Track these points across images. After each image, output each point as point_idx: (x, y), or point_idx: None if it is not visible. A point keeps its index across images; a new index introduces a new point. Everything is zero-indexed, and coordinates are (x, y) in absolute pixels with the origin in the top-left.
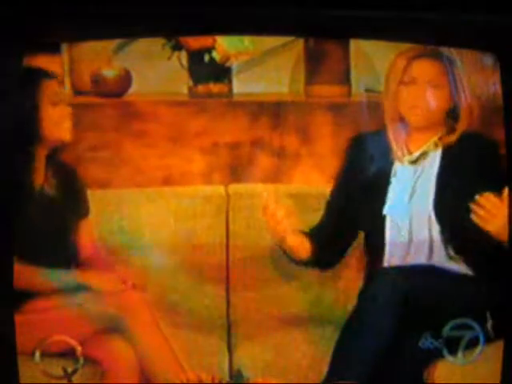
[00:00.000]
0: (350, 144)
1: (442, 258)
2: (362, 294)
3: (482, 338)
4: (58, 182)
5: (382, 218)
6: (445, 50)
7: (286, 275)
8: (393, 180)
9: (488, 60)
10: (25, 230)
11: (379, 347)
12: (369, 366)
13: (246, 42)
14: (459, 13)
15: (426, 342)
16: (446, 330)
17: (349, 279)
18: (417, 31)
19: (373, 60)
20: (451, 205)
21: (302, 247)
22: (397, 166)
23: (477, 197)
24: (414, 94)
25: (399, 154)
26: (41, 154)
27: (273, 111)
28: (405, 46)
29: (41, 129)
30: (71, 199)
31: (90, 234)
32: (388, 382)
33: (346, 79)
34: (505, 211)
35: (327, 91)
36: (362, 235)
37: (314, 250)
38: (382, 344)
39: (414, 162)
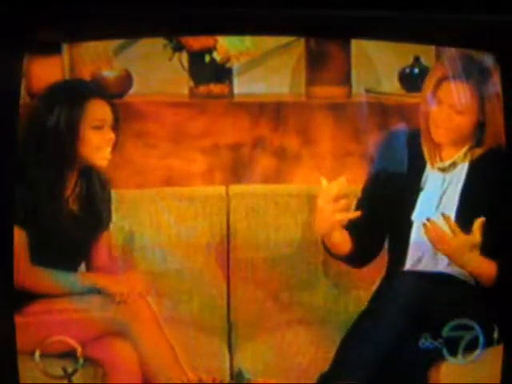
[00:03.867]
0: (382, 142)
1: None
2: (376, 296)
3: (481, 339)
4: (86, 197)
5: (409, 223)
6: (478, 68)
7: (287, 276)
8: (422, 186)
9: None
10: (43, 239)
11: (384, 349)
12: (371, 367)
13: (247, 42)
14: (459, 13)
15: (426, 342)
16: (446, 331)
17: (350, 280)
18: (417, 31)
19: (373, 61)
20: (472, 217)
21: (344, 243)
22: (427, 173)
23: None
24: (439, 114)
25: (431, 160)
26: (74, 169)
27: (273, 112)
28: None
29: (76, 149)
30: (96, 213)
31: (108, 243)
32: (388, 382)
33: (346, 80)
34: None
35: (328, 92)
36: None
37: (353, 246)
38: (387, 346)
39: (444, 170)
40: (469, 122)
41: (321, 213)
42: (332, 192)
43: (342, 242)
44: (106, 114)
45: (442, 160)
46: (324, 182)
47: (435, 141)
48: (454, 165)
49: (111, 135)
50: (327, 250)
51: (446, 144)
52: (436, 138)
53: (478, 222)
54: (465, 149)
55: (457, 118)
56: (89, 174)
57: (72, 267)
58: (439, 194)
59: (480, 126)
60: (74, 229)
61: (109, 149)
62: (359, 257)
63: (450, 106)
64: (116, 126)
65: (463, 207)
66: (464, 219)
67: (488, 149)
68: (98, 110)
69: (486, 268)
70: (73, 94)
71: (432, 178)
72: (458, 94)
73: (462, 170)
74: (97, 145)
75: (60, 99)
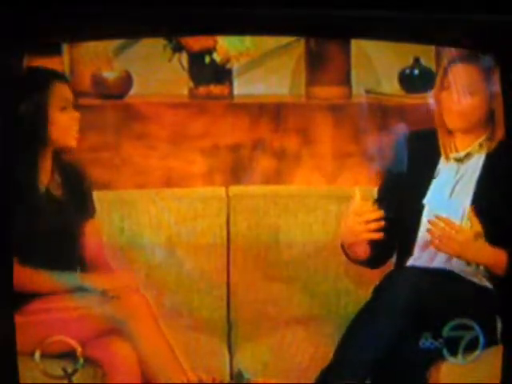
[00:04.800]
0: (397, 140)
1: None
2: (376, 293)
3: (481, 339)
4: (64, 182)
5: (419, 216)
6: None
7: (287, 276)
8: (437, 177)
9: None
10: (30, 231)
11: (384, 348)
12: (371, 366)
13: (247, 43)
14: (459, 13)
15: (426, 342)
16: (446, 331)
17: (350, 279)
18: (417, 31)
19: (373, 61)
20: (486, 208)
21: (365, 251)
22: (442, 164)
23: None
24: (449, 98)
25: (447, 151)
26: (47, 155)
27: (273, 113)
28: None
29: (48, 132)
30: (77, 200)
31: (96, 235)
32: (388, 382)
33: (346, 81)
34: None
35: (328, 93)
36: None
37: (372, 252)
38: (387, 345)
39: (460, 160)
40: (479, 105)
41: (350, 227)
42: (366, 212)
43: (364, 250)
44: (68, 93)
45: (457, 150)
46: (357, 195)
47: (449, 127)
48: (468, 155)
49: (76, 114)
50: (346, 255)
51: (460, 131)
52: (450, 125)
53: (469, 212)
54: (480, 139)
55: (467, 99)
56: (62, 158)
57: (63, 260)
58: (452, 184)
59: (492, 117)
60: (59, 215)
61: (76, 128)
62: (377, 260)
63: (459, 87)
64: (76, 105)
65: (478, 197)
66: (478, 209)
67: (500, 140)
68: (63, 92)
69: (497, 256)
70: (38, 80)
71: (445, 170)
72: (466, 75)
73: (478, 160)
74: (66, 125)
75: (26, 86)
